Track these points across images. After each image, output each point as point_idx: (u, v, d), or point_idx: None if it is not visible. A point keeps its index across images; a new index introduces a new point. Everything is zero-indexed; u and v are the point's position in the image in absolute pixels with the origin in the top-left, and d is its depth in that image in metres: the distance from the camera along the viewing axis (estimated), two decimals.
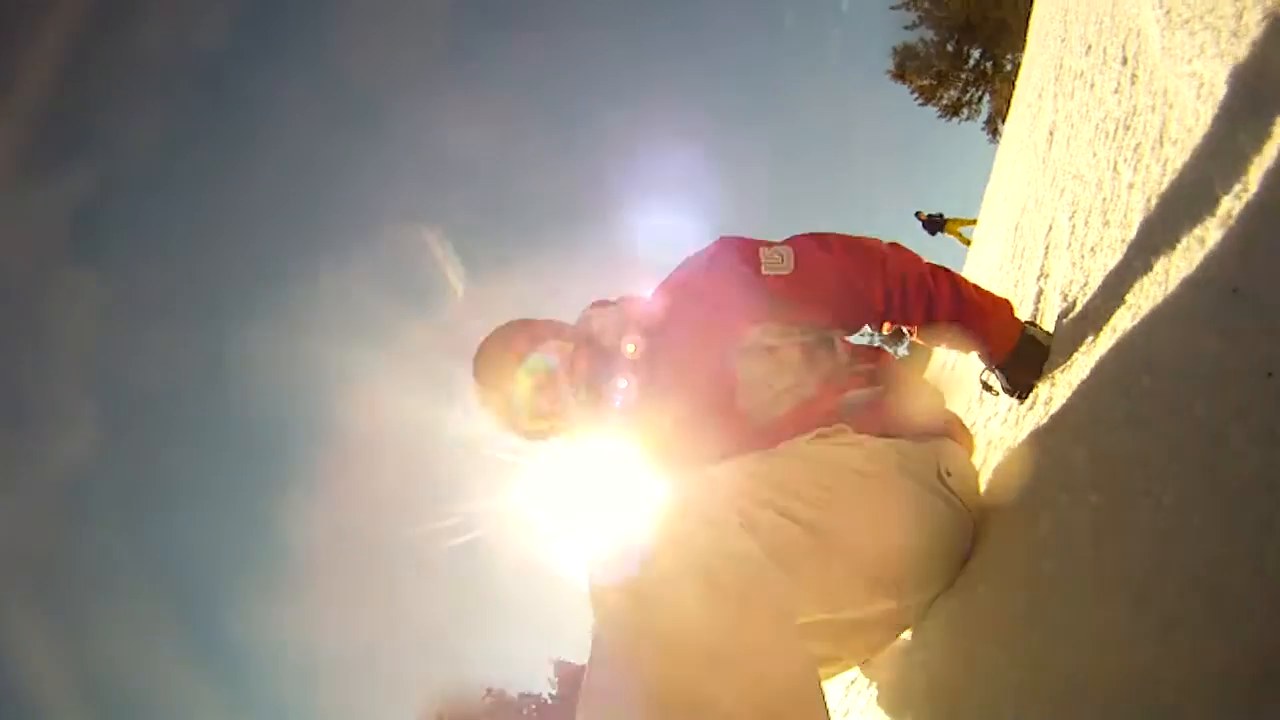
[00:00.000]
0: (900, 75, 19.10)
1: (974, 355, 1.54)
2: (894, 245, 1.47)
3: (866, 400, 1.34)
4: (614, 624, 0.86)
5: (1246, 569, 0.61)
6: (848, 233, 1.46)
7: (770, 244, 1.42)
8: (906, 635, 1.34)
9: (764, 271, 1.37)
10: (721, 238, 1.45)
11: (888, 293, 1.39)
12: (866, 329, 1.52)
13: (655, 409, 1.36)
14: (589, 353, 1.41)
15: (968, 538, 1.27)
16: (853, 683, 1.65)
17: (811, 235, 1.45)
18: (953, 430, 1.43)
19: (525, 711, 23.65)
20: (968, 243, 9.04)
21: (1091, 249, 1.68)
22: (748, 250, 1.40)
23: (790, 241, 1.43)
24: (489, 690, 24.21)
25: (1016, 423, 1.56)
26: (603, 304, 1.53)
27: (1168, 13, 1.79)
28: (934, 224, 10.05)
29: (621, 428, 1.41)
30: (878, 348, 1.51)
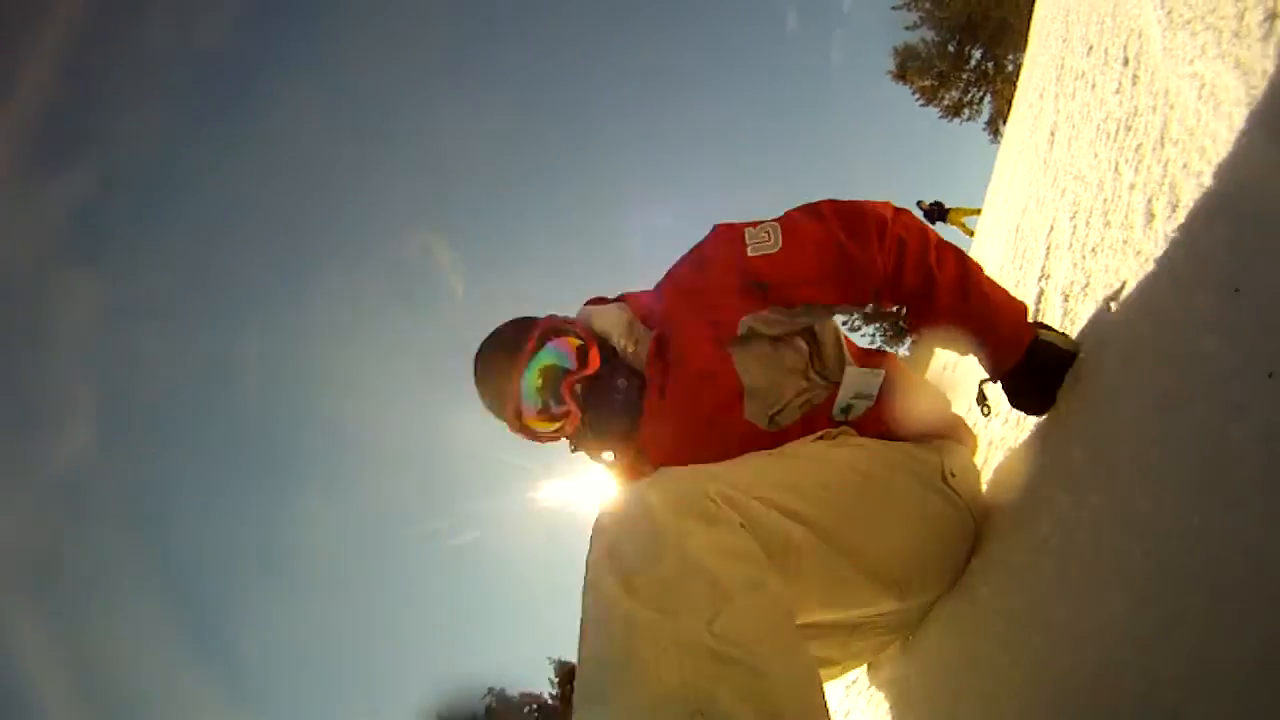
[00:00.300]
0: (901, 76, 19.08)
1: (974, 360, 1.36)
2: (899, 210, 1.33)
3: (863, 408, 1.29)
4: (612, 623, 0.84)
5: (1247, 568, 0.61)
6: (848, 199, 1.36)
7: (758, 222, 1.33)
8: (908, 636, 1.33)
9: (750, 254, 1.28)
10: (715, 227, 1.38)
11: (885, 259, 1.27)
12: (868, 330, 1.46)
13: (660, 414, 1.32)
14: (600, 350, 1.37)
15: (970, 539, 1.24)
16: (854, 683, 1.65)
17: (803, 206, 1.35)
18: (957, 431, 1.39)
19: (526, 710, 23.64)
20: (971, 234, 8.78)
21: (1093, 249, 1.68)
22: (734, 234, 1.32)
23: (780, 217, 1.34)
24: (490, 689, 24.21)
25: (1018, 423, 1.56)
26: (600, 301, 1.49)
27: (1169, 13, 1.79)
28: (935, 213, 9.81)
29: (626, 430, 1.36)
30: (879, 349, 1.46)
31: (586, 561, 0.92)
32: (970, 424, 1.49)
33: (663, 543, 0.87)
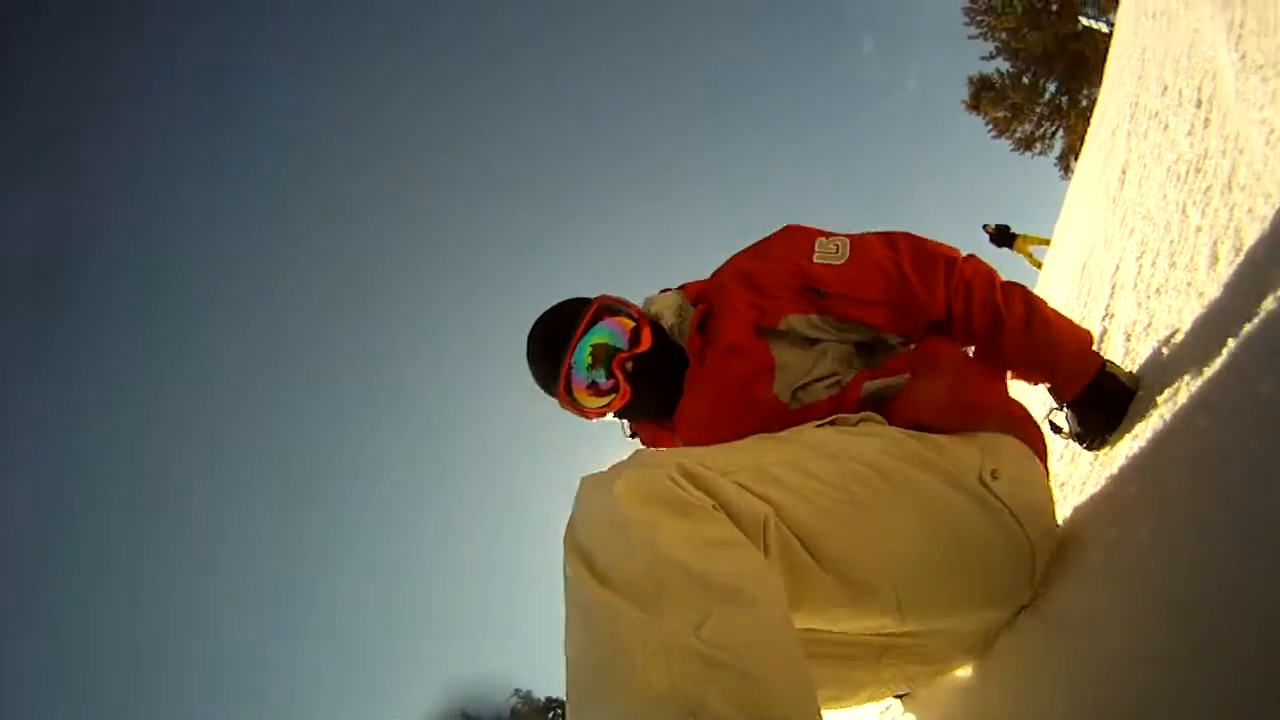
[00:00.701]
0: (975, 106, 18.86)
1: (1042, 389, 1.36)
2: (970, 256, 1.33)
3: (896, 388, 1.20)
4: (595, 624, 0.82)
5: None
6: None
7: (831, 235, 1.34)
8: (957, 670, 1.27)
9: (815, 260, 1.29)
10: (786, 225, 1.39)
11: (949, 299, 1.26)
12: None
13: (694, 388, 1.31)
14: (652, 331, 1.36)
15: (1018, 554, 1.07)
16: (887, 709, 1.65)
17: (880, 232, 1.36)
18: (1015, 424, 1.22)
19: (551, 716, 23.60)
20: (1038, 265, 8.43)
21: (1157, 290, 1.67)
22: (805, 238, 1.34)
23: (854, 234, 1.35)
24: (516, 690, 24.28)
25: (1073, 459, 1.56)
26: (665, 291, 1.50)
27: (1243, 57, 1.79)
28: (1001, 237, 9.38)
29: (670, 409, 1.36)
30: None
31: (562, 564, 0.89)
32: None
33: (631, 538, 0.83)
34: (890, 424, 1.15)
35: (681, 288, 1.48)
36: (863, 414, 1.15)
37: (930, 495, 1.03)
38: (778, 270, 1.30)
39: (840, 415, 1.15)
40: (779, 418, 1.19)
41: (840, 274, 1.27)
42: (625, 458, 0.96)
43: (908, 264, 1.28)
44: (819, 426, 1.12)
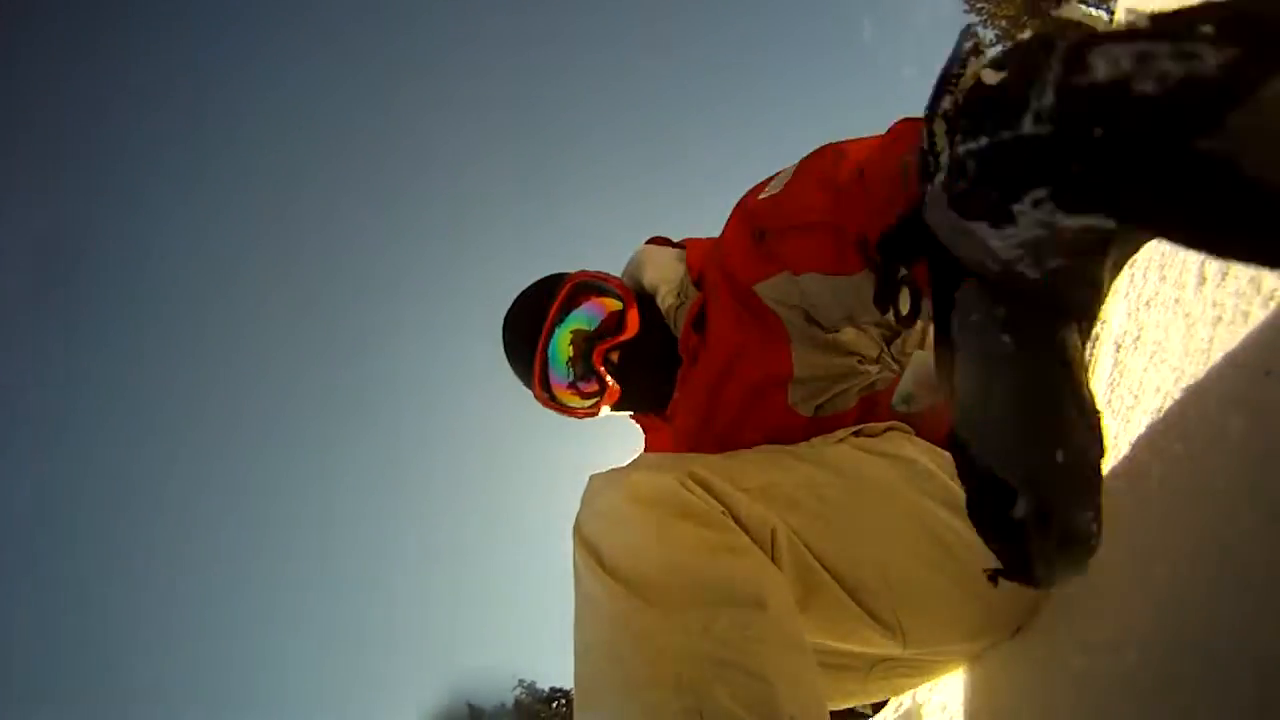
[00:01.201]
0: None
1: None
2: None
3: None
4: (602, 620, 0.82)
5: (1244, 640, 0.65)
6: None
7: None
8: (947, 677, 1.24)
9: (760, 196, 1.07)
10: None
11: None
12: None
13: (688, 389, 1.17)
14: (641, 310, 1.21)
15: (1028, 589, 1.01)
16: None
17: None
18: None
19: (555, 705, 23.78)
20: None
21: (1147, 302, 1.69)
22: (768, 178, 1.12)
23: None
24: (520, 681, 24.45)
25: None
26: (661, 241, 1.32)
27: None
28: None
29: (663, 404, 1.24)
30: None
31: (572, 557, 0.88)
32: None
33: (640, 536, 0.83)
34: (917, 434, 1.08)
35: (683, 247, 1.29)
36: (889, 424, 1.08)
37: (946, 532, 0.98)
38: (733, 227, 1.11)
39: (866, 425, 1.07)
40: (796, 430, 1.10)
41: (777, 203, 1.04)
42: (634, 459, 0.94)
43: (873, 153, 0.92)
44: (840, 441, 1.05)
